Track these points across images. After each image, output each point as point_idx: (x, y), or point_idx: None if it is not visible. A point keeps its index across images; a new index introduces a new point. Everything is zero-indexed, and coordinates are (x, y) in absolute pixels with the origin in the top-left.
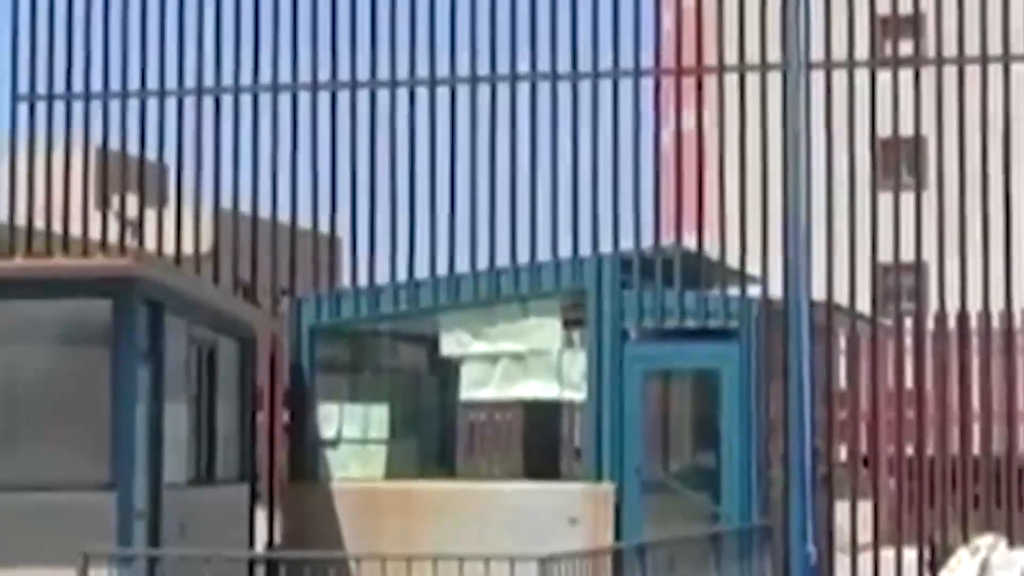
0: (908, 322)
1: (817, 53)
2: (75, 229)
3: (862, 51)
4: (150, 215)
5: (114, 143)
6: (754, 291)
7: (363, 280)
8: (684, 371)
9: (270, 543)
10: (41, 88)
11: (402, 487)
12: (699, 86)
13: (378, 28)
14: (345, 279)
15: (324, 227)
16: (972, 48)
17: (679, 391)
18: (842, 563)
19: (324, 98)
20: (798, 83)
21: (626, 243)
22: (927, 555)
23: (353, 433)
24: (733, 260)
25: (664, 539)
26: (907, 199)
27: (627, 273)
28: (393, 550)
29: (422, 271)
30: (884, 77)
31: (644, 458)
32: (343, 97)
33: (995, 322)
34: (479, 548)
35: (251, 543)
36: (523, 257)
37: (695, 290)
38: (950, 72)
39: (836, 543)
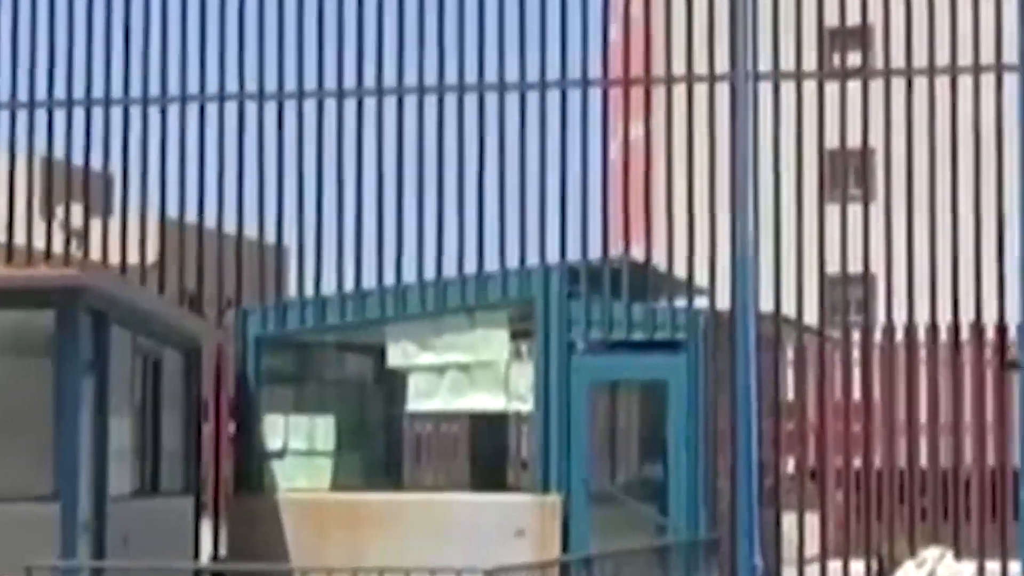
0: (856, 334)
1: (765, 64)
2: (19, 239)
3: (810, 62)
4: (95, 225)
5: (59, 152)
6: (702, 302)
7: (309, 290)
8: (631, 383)
9: (215, 555)
10: None
11: (348, 499)
12: (647, 97)
13: (325, 38)
14: (291, 289)
15: (270, 237)
16: (920, 60)
17: (626, 403)
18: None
19: (270, 108)
20: (746, 94)
21: (574, 254)
22: (874, 567)
23: (299, 444)
24: (681, 271)
25: (611, 551)
26: (855, 211)
27: (575, 284)
28: (339, 562)
29: (369, 281)
30: (832, 88)
31: (591, 470)
32: (289, 107)
33: (942, 334)
34: (426, 560)
35: (196, 555)
36: (471, 268)
37: (643, 301)
38: (899, 84)
39: (783, 555)
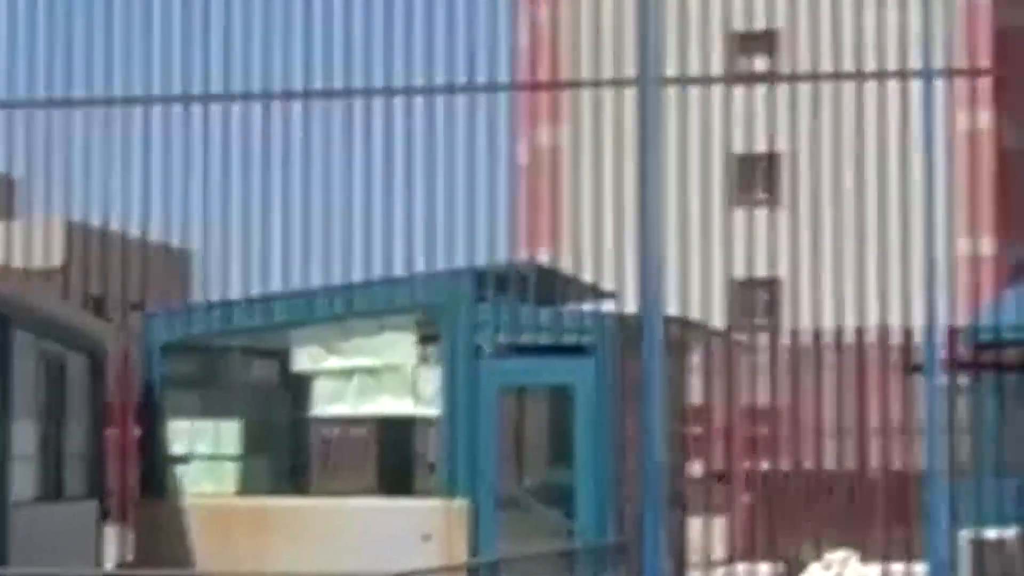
0: (763, 338)
1: (673, 69)
2: None
3: (718, 67)
4: None
5: None
6: (609, 307)
7: (216, 295)
8: (539, 387)
9: (120, 560)
10: None
11: (255, 504)
12: (554, 102)
13: (232, 40)
14: (197, 294)
15: (176, 241)
16: (827, 65)
17: (534, 407)
18: None
19: (177, 111)
20: (652, 99)
21: (482, 258)
22: (781, 571)
23: (205, 449)
24: (588, 275)
25: (518, 555)
26: (762, 215)
27: (482, 288)
28: (246, 567)
29: (276, 286)
30: (739, 93)
31: (498, 474)
32: (196, 110)
33: (849, 338)
34: (332, 565)
35: (100, 560)
36: (378, 272)
37: (550, 306)
38: (805, 88)
39: (690, 560)
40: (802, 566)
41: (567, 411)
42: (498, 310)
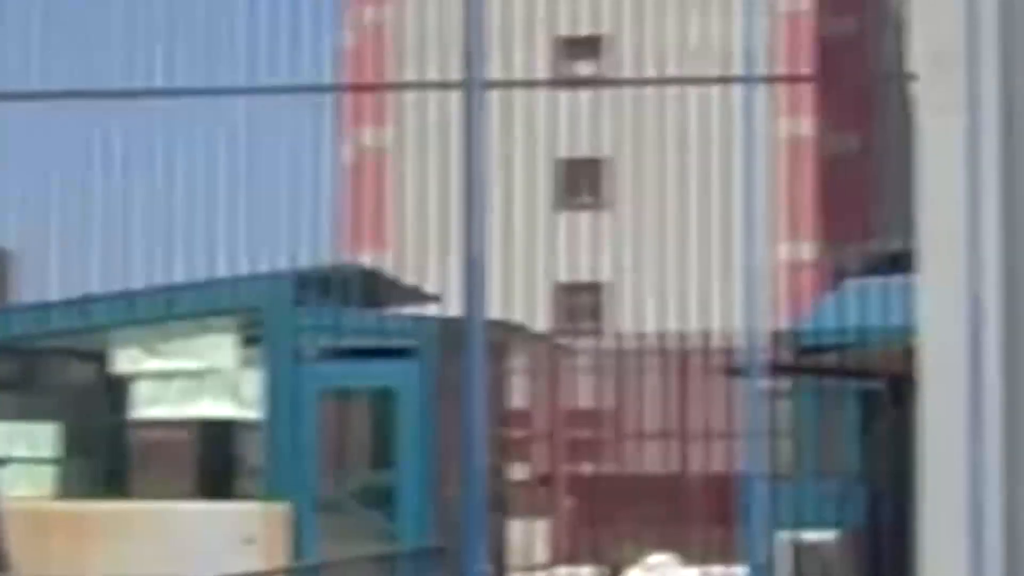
0: (587, 341)
1: (499, 72)
2: None
3: (544, 71)
4: None
5: None
6: (432, 310)
7: (34, 296)
8: (361, 390)
9: None
10: None
11: (73, 508)
12: (379, 103)
13: (49, 37)
14: (15, 295)
15: None
16: (652, 70)
17: (356, 410)
18: None
19: None
20: (477, 102)
21: (304, 261)
22: (604, 574)
23: (21, 452)
24: (412, 278)
25: (339, 559)
26: (586, 219)
27: (305, 291)
28: (63, 573)
29: (95, 287)
30: (565, 98)
31: (320, 477)
32: (13, 110)
33: (672, 341)
34: (152, 569)
35: None
36: (200, 274)
37: (373, 308)
38: (631, 94)
39: (512, 563)
40: (623, 569)
41: (389, 414)
42: (320, 313)
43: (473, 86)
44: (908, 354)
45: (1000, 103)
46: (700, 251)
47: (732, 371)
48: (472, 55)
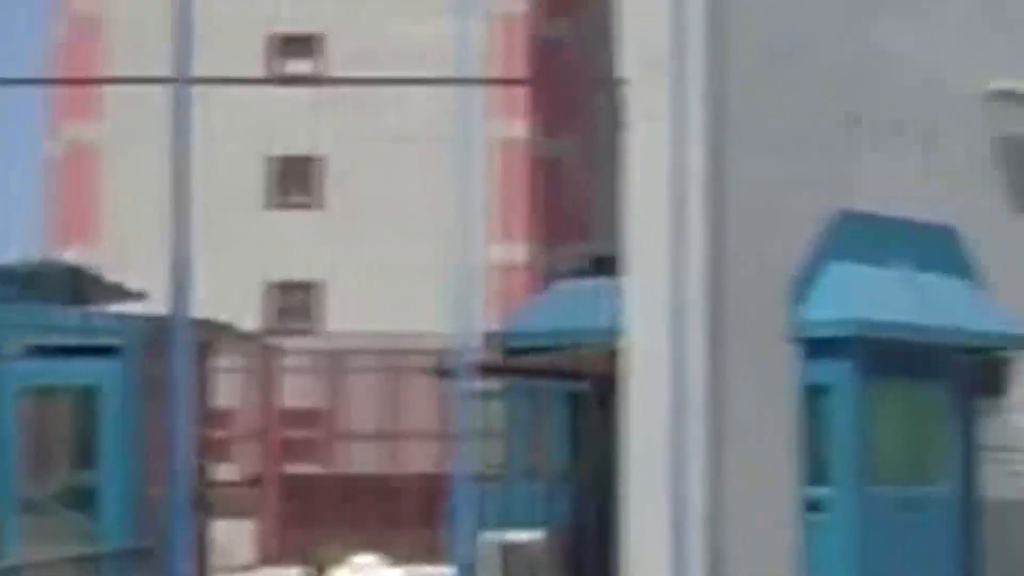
0: (299, 341)
1: (211, 68)
2: None
3: (259, 69)
4: None
5: None
6: (139, 308)
7: None
8: (64, 388)
9: None
10: None
11: None
12: (90, 97)
13: None
14: None
15: None
16: (370, 70)
17: (58, 409)
18: None
19: None
20: (186, 98)
21: (11, 256)
22: (310, 574)
23: None
24: (122, 276)
25: (40, 560)
26: (301, 217)
27: (6, 287)
28: None
29: None
30: (281, 95)
31: (21, 478)
32: None
33: (385, 342)
34: None
35: None
36: None
37: (78, 305)
38: (348, 93)
39: (216, 564)
40: (328, 570)
41: (92, 414)
42: (22, 310)
43: (180, 82)
44: (613, 356)
45: (706, 111)
46: (414, 251)
47: (441, 372)
48: (180, 51)
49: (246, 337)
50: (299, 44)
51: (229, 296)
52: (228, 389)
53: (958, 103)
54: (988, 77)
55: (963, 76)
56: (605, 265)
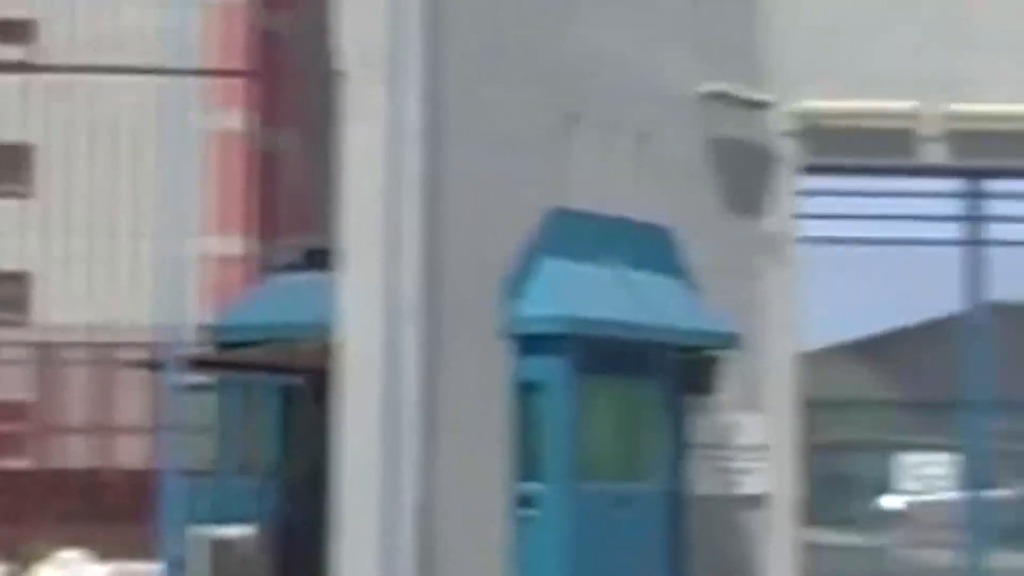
0: (11, 332)
1: None
2: None
3: None
4: None
5: None
6: None
7: None
8: None
9: None
10: None
11: None
12: None
13: None
14: None
15: None
16: (85, 58)
17: None
18: None
19: None
20: None
21: None
22: (14, 571)
23: None
24: None
25: None
26: (13, 206)
27: None
28: None
29: None
30: None
31: None
32: None
33: (98, 334)
34: None
35: None
36: None
37: None
38: (62, 80)
39: None
40: (32, 566)
41: None
42: None
43: None
44: (328, 350)
45: (423, 108)
46: (127, 243)
47: (151, 365)
48: None
49: None
50: (11, 29)
51: None
52: None
53: (672, 104)
54: (701, 79)
55: (677, 77)
56: (320, 259)
